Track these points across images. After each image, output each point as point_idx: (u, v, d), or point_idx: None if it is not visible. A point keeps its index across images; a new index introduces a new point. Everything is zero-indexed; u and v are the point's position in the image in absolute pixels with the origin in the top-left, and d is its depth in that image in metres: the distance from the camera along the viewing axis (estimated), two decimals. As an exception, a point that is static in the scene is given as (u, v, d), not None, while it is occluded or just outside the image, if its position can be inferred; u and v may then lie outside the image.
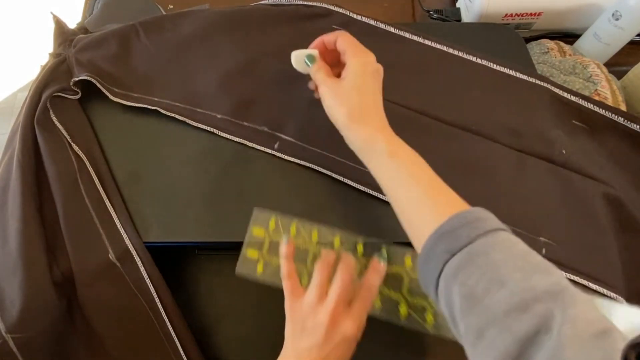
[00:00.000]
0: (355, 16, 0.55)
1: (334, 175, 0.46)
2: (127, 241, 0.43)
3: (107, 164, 0.48)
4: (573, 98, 0.49)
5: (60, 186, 0.45)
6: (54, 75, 0.51)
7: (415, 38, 0.54)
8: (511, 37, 0.58)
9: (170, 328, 0.42)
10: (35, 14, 1.73)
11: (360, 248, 0.40)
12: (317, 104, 0.42)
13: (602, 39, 0.61)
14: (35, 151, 0.47)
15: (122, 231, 0.44)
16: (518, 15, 0.66)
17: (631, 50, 0.63)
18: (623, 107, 0.54)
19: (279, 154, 0.47)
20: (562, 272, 0.37)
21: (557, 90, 0.50)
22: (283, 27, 0.55)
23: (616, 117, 0.48)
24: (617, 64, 0.62)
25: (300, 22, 0.55)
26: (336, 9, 0.56)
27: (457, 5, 0.72)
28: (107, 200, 0.45)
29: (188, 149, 0.48)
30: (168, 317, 0.42)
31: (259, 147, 0.48)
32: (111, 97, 0.51)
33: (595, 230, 0.42)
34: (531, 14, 0.65)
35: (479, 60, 0.52)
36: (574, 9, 0.65)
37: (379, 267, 0.39)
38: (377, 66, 0.41)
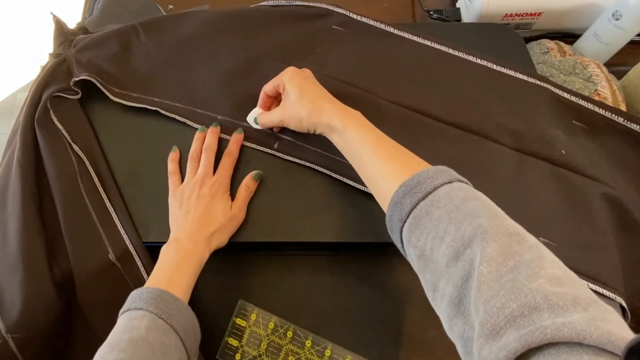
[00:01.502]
0: (354, 16, 0.55)
1: (333, 174, 0.46)
2: (127, 241, 0.43)
3: (107, 164, 0.48)
4: (573, 98, 0.49)
5: (60, 186, 0.45)
6: (54, 75, 0.51)
7: (415, 38, 0.54)
8: (511, 37, 0.57)
9: None
10: (35, 14, 1.73)
11: (328, 352, 0.43)
12: None
13: (602, 39, 0.61)
14: (36, 151, 0.47)
15: (122, 231, 0.44)
16: (518, 15, 0.65)
17: (631, 50, 0.63)
18: (623, 107, 0.54)
19: (279, 154, 0.47)
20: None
21: (556, 91, 0.49)
22: (283, 27, 0.55)
23: (616, 117, 0.48)
24: (617, 64, 0.62)
25: (300, 22, 0.56)
26: (336, 9, 0.56)
27: (457, 5, 0.72)
28: (107, 200, 0.45)
29: (189, 149, 0.48)
30: None
31: (259, 148, 0.48)
32: (111, 97, 0.51)
33: (594, 231, 0.42)
34: (531, 14, 0.65)
35: (478, 61, 0.52)
36: (574, 9, 0.65)
37: (239, 136, 0.48)
38: (300, 70, 0.45)
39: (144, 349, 0.31)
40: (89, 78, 0.50)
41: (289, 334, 0.43)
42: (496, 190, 0.42)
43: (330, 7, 0.56)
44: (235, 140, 0.48)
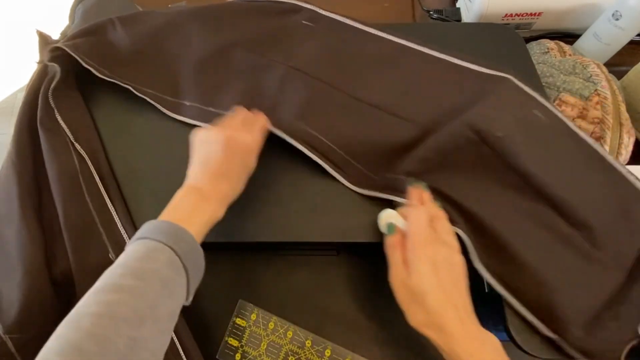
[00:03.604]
0: (322, 12, 0.56)
1: (305, 150, 0.46)
2: (128, 241, 0.43)
3: (108, 163, 0.48)
4: (533, 94, 0.48)
5: (60, 186, 0.45)
6: (43, 76, 0.52)
7: (381, 34, 0.54)
8: (511, 37, 0.57)
9: None
10: (35, 14, 1.73)
11: (328, 352, 0.43)
12: (285, 88, 0.47)
13: (602, 39, 0.61)
14: (33, 153, 0.47)
15: (122, 231, 0.44)
16: (518, 15, 0.65)
17: (631, 50, 0.63)
18: (623, 107, 0.54)
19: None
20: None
21: (519, 83, 0.49)
22: (254, 20, 0.57)
23: (567, 120, 0.46)
24: (617, 64, 0.62)
25: (271, 17, 0.57)
26: (304, 4, 0.57)
27: (457, 5, 0.72)
28: (108, 199, 0.45)
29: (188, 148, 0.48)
30: None
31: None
32: (96, 74, 0.52)
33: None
34: (531, 14, 0.65)
35: (442, 56, 0.52)
36: (574, 9, 0.65)
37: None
38: (446, 253, 0.36)
39: (157, 283, 0.31)
40: (72, 53, 0.51)
41: (289, 334, 0.43)
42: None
43: (300, 3, 0.57)
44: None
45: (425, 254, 0.35)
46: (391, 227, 0.39)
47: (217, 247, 0.49)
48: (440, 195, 0.43)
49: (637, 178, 0.43)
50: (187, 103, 0.51)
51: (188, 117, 0.50)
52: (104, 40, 0.55)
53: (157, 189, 0.47)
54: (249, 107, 0.48)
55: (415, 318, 0.35)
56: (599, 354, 0.36)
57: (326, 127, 0.47)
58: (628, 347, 0.37)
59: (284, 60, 0.51)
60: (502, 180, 0.43)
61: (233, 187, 0.41)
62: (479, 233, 0.41)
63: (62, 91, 0.51)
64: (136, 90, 0.51)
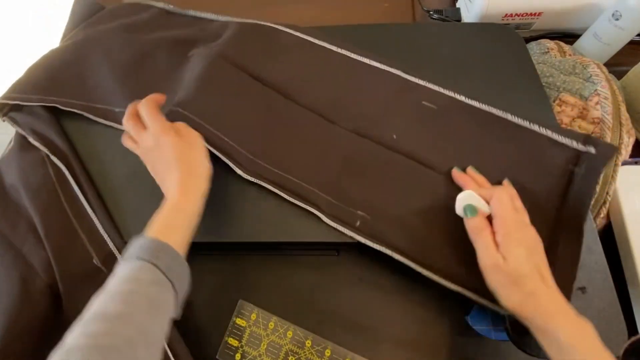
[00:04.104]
0: (237, 19, 0.58)
1: (222, 156, 0.46)
2: (111, 244, 0.43)
3: (85, 170, 0.48)
4: (420, 82, 0.50)
5: (38, 200, 0.46)
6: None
7: (278, 27, 0.56)
8: (511, 37, 0.57)
9: None
10: (35, 14, 1.73)
11: (328, 352, 0.43)
12: (207, 87, 0.49)
13: (602, 39, 0.61)
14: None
15: (104, 235, 0.44)
16: (518, 15, 0.66)
17: (631, 50, 0.63)
18: (623, 107, 0.54)
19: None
20: (376, 244, 0.42)
21: (406, 76, 0.51)
22: (174, 26, 0.59)
23: (458, 95, 0.49)
24: (617, 64, 0.62)
25: (190, 25, 0.59)
26: (221, 18, 0.59)
27: (457, 5, 0.72)
28: (88, 205, 0.45)
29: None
30: None
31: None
32: (23, 104, 0.53)
33: (410, 209, 0.43)
34: (531, 14, 0.65)
35: (339, 50, 0.53)
36: (574, 9, 0.65)
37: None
38: (533, 234, 0.37)
39: (144, 304, 0.31)
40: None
41: (289, 334, 0.43)
42: (330, 165, 0.46)
43: (219, 18, 0.59)
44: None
45: (519, 237, 0.36)
46: (472, 209, 0.39)
47: (217, 247, 0.49)
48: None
49: (541, 126, 0.46)
50: (117, 109, 0.51)
51: (119, 122, 0.50)
52: (33, 69, 0.57)
53: (138, 192, 0.47)
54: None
55: (511, 299, 0.35)
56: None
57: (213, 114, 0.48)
58: (625, 345, 0.37)
59: (204, 51, 0.53)
60: (420, 182, 0.45)
61: (197, 178, 0.41)
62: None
63: (28, 115, 0.53)
64: (62, 105, 0.52)
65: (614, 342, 0.37)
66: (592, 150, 0.43)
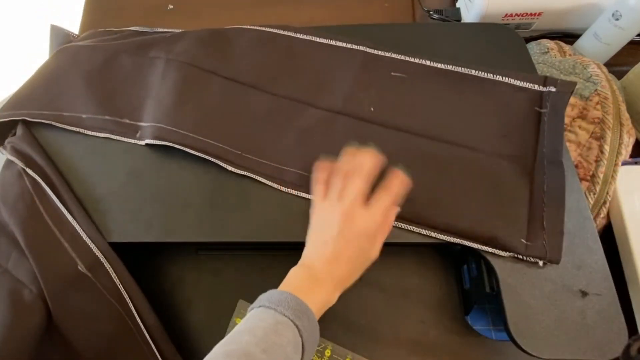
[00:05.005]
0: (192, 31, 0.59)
1: (214, 160, 0.46)
2: (94, 249, 0.43)
3: (63, 179, 0.48)
4: (386, 54, 0.52)
5: (17, 213, 0.45)
6: None
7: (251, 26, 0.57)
8: (511, 37, 0.57)
9: (144, 331, 0.42)
10: (35, 14, 1.73)
11: (328, 352, 0.43)
12: (184, 97, 0.49)
13: (602, 39, 0.61)
14: None
15: (87, 240, 0.43)
16: (518, 15, 0.66)
17: (631, 50, 0.63)
18: (623, 107, 0.54)
19: (141, 142, 0.49)
20: None
21: (371, 50, 0.52)
22: (139, 35, 0.60)
23: (423, 60, 0.50)
24: (617, 64, 0.62)
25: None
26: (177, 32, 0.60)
27: (457, 5, 0.72)
28: (67, 212, 0.45)
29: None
30: (141, 320, 0.42)
31: (123, 139, 0.50)
32: None
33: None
34: (531, 14, 0.65)
35: (304, 37, 0.54)
36: (574, 9, 0.65)
37: (399, 174, 0.40)
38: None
39: (280, 358, 0.31)
40: None
41: None
42: (310, 145, 0.47)
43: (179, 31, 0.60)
44: (396, 175, 0.41)
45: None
46: None
47: (217, 247, 0.49)
48: None
49: (504, 75, 0.48)
50: (84, 116, 0.52)
51: (89, 129, 0.51)
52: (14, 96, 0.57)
53: (158, 189, 0.47)
54: (142, 108, 0.51)
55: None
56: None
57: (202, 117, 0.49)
58: (625, 345, 0.37)
59: (165, 55, 0.54)
60: (403, 149, 0.46)
61: (350, 273, 0.38)
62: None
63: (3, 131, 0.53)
64: (31, 117, 0.52)
65: (614, 342, 0.37)
66: (552, 89, 0.46)
